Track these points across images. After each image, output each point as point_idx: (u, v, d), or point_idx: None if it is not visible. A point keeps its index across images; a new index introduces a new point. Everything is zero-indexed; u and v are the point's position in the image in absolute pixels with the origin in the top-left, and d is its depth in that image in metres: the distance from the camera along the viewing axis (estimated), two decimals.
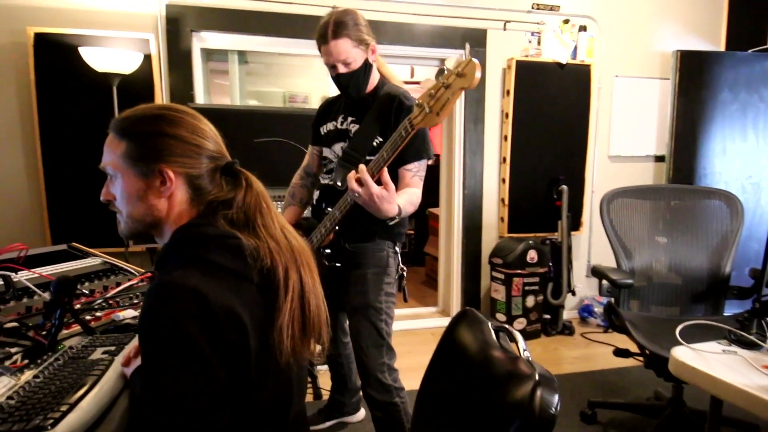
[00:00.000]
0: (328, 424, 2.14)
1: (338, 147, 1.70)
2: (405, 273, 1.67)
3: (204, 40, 3.03)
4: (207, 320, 0.78)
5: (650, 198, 2.44)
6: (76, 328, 1.23)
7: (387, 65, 1.76)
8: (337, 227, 1.56)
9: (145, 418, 0.77)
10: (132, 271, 1.74)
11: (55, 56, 2.62)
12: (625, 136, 3.71)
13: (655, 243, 2.42)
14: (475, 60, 1.14)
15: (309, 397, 2.43)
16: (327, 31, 1.52)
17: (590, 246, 3.72)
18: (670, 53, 3.59)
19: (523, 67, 3.37)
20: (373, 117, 1.58)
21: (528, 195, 3.51)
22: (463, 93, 3.53)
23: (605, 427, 2.21)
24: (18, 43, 2.62)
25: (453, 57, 1.18)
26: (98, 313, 1.36)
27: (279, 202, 2.15)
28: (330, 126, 1.74)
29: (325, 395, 2.33)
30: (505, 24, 3.38)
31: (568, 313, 3.67)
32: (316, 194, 1.76)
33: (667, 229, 2.43)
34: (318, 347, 0.98)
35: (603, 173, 3.70)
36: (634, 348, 2.01)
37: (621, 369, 2.73)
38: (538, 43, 3.44)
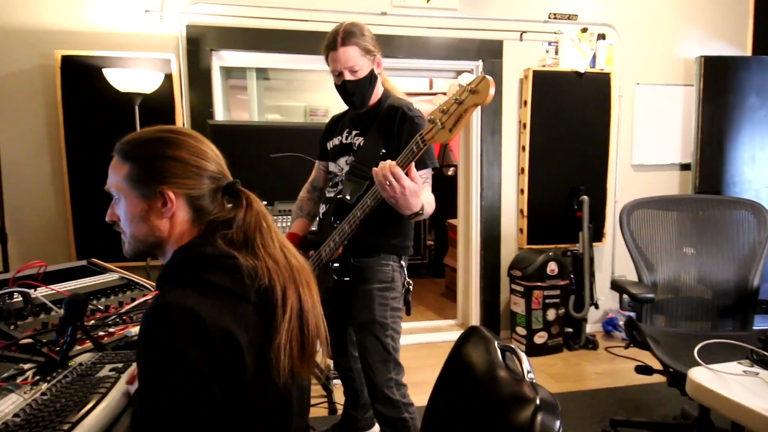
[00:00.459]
0: None
1: (343, 161, 1.71)
2: (411, 287, 1.65)
3: (223, 58, 3.11)
4: (202, 340, 0.78)
5: (673, 209, 2.37)
6: (90, 344, 1.25)
7: (390, 80, 1.77)
8: (345, 242, 1.56)
9: None
10: (147, 286, 1.77)
11: (81, 77, 2.72)
12: (648, 144, 3.62)
13: (682, 254, 2.34)
14: (488, 77, 1.13)
15: (324, 412, 2.43)
16: (336, 38, 1.56)
17: (614, 257, 3.63)
18: (693, 59, 3.50)
19: (540, 77, 3.34)
20: (377, 129, 1.59)
21: (547, 206, 3.45)
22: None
23: None
24: (46, 66, 2.73)
25: (467, 74, 1.17)
26: (111, 329, 1.39)
27: None
28: (335, 141, 1.76)
29: (340, 410, 2.31)
30: (521, 34, 3.36)
31: (592, 327, 3.57)
32: (322, 208, 1.76)
33: (694, 240, 2.35)
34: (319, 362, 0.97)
35: (626, 182, 3.61)
36: (658, 365, 1.94)
37: (647, 386, 2.63)
38: (556, 52, 3.40)
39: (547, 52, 3.41)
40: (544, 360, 3.15)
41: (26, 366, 1.11)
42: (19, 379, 1.04)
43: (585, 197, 3.37)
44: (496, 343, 1.06)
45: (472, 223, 3.53)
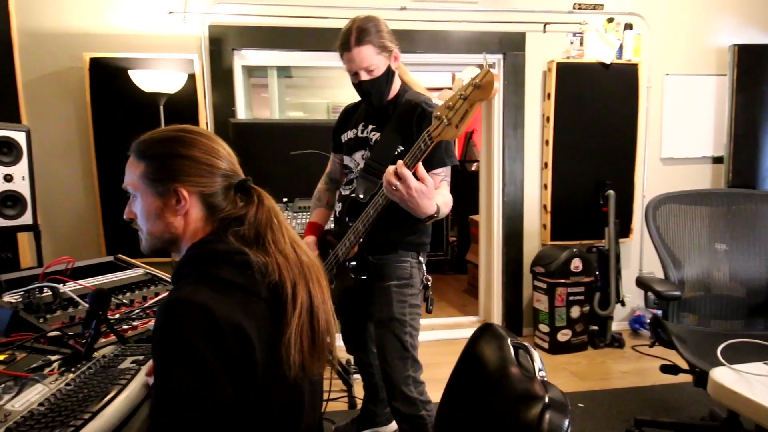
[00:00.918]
0: None
1: (359, 155, 1.70)
2: (430, 284, 1.64)
3: (245, 57, 3.15)
4: (214, 335, 0.80)
5: (703, 203, 2.29)
6: (114, 337, 1.30)
7: (409, 73, 1.75)
8: (361, 240, 1.56)
9: (155, 427, 0.80)
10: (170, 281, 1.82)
11: (108, 78, 2.81)
12: (678, 137, 3.50)
13: (713, 251, 2.26)
14: (493, 70, 1.11)
15: (344, 406, 2.45)
16: (350, 38, 1.52)
17: (641, 254, 3.53)
18: (726, 48, 3.36)
19: (564, 69, 3.27)
20: (395, 125, 1.57)
21: (572, 201, 3.38)
22: (500, 98, 3.45)
23: None
24: (75, 68, 2.83)
25: (472, 68, 1.13)
26: (135, 323, 1.43)
27: None
28: (350, 134, 1.74)
29: (360, 404, 2.33)
30: (544, 26, 3.29)
31: (618, 325, 3.49)
32: (338, 206, 1.77)
33: (726, 236, 2.27)
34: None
35: (655, 177, 3.50)
36: (685, 364, 1.88)
37: (674, 385, 2.56)
38: (581, 43, 3.32)
39: (572, 43, 3.33)
40: (568, 358, 3.09)
41: (53, 358, 1.15)
42: (46, 370, 1.08)
43: (611, 192, 3.29)
44: (509, 340, 1.05)
45: (494, 219, 3.49)
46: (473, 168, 5.43)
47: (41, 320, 1.35)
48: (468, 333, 3.60)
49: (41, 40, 2.81)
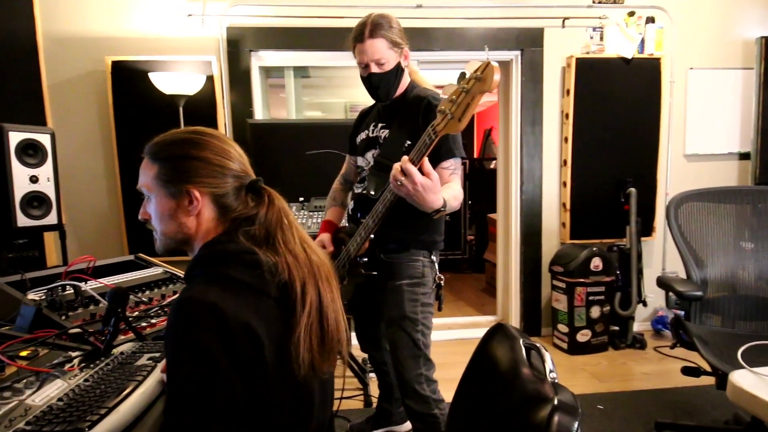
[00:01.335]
0: None
1: (370, 155, 1.72)
2: (443, 282, 1.64)
3: (262, 58, 3.18)
4: (224, 334, 0.81)
5: (728, 201, 2.23)
6: (132, 334, 1.33)
7: (419, 72, 1.76)
8: (372, 236, 1.57)
9: (167, 424, 0.81)
10: None
11: (129, 81, 2.87)
12: (702, 132, 3.41)
13: (739, 250, 2.20)
14: (493, 63, 1.10)
15: (359, 405, 2.46)
16: (364, 30, 1.55)
17: (664, 253, 3.45)
18: (752, 40, 3.26)
19: (584, 65, 3.21)
20: (402, 121, 1.58)
21: (592, 199, 3.32)
22: (517, 95, 3.41)
23: None
24: (98, 71, 2.90)
25: (474, 60, 1.12)
26: (153, 320, 1.47)
27: None
28: (363, 135, 1.77)
29: (375, 403, 2.33)
30: (563, 21, 3.24)
31: (640, 325, 3.42)
32: (351, 204, 1.78)
33: (753, 234, 2.20)
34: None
35: (678, 174, 3.42)
36: (708, 366, 1.83)
37: (697, 388, 2.49)
38: (601, 38, 3.26)
39: (591, 38, 3.27)
40: (587, 359, 3.04)
41: (74, 354, 1.19)
42: (66, 366, 1.11)
43: (632, 189, 3.22)
44: (521, 340, 1.04)
45: (512, 217, 3.46)
46: (492, 166, 5.38)
47: (63, 317, 1.39)
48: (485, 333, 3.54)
49: (65, 45, 2.89)
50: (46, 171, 2.20)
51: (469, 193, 5.34)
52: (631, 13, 3.21)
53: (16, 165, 2.09)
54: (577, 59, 3.19)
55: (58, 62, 2.88)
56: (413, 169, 1.23)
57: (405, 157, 1.26)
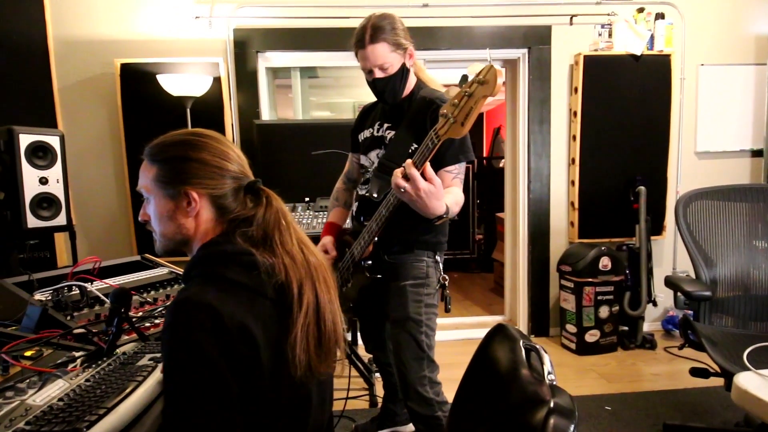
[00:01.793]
0: None
1: (374, 154, 1.70)
2: (447, 283, 1.63)
3: (269, 59, 3.20)
4: (220, 335, 0.81)
5: (739, 199, 2.19)
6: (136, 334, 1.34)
7: (426, 70, 1.73)
8: (376, 239, 1.56)
9: (164, 425, 0.82)
10: None
11: (138, 83, 2.90)
12: (714, 129, 3.35)
13: (752, 249, 2.16)
14: (496, 66, 1.09)
15: (365, 405, 2.46)
16: (364, 35, 1.52)
17: (675, 252, 3.40)
18: (765, 36, 3.20)
19: (592, 62, 3.18)
20: (408, 123, 1.56)
21: (601, 198, 3.28)
22: (525, 93, 3.38)
23: None
24: (107, 74, 2.94)
25: (477, 63, 1.11)
26: (157, 321, 1.48)
27: None
28: (366, 133, 1.75)
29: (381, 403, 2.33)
30: (571, 18, 3.20)
31: (650, 325, 3.38)
32: (354, 206, 1.77)
33: (767, 233, 2.16)
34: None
35: (689, 171, 3.37)
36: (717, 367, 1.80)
37: (708, 389, 2.45)
38: (609, 35, 3.22)
39: (600, 35, 3.24)
40: (596, 359, 3.01)
41: (77, 354, 1.20)
42: (69, 366, 1.13)
43: (642, 188, 3.18)
44: (521, 342, 1.04)
45: (520, 216, 3.43)
46: (500, 165, 5.35)
47: (69, 318, 1.41)
48: None
49: (75, 48, 2.93)
50: (55, 172, 2.23)
51: (478, 193, 5.32)
52: (640, 10, 3.16)
53: (26, 167, 2.12)
54: (585, 57, 3.16)
55: (69, 65, 2.92)
56: (416, 174, 1.21)
57: (408, 161, 1.25)
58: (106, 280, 1.62)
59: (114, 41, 2.95)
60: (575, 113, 3.24)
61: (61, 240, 2.78)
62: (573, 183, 3.31)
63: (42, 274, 1.65)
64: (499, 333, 1.11)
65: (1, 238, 2.13)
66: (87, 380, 1.03)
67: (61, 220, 2.26)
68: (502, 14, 3.18)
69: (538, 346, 1.01)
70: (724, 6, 3.27)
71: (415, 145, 1.55)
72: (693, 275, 2.12)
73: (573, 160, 3.29)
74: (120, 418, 0.90)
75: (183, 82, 2.76)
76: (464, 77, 1.17)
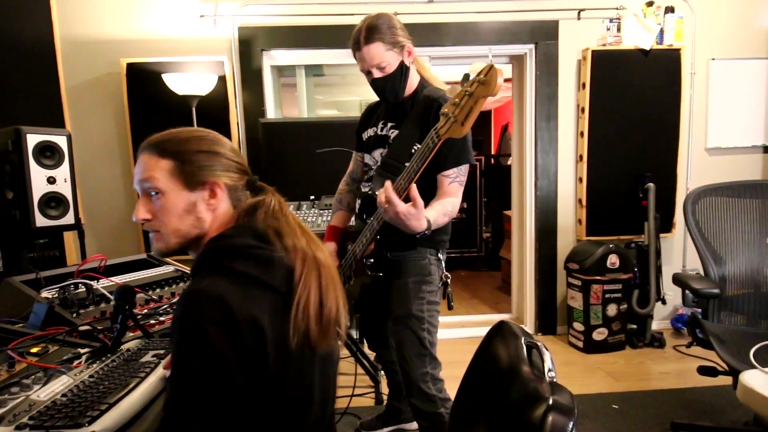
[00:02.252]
0: (386, 430, 2.15)
1: (378, 153, 1.70)
2: (449, 280, 1.62)
3: (273, 57, 3.20)
4: (230, 327, 0.82)
5: (750, 195, 2.15)
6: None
7: (429, 68, 1.73)
8: (378, 237, 1.56)
9: (168, 414, 0.82)
10: None
11: (143, 82, 2.92)
12: (725, 125, 3.31)
13: (764, 246, 2.13)
14: (497, 66, 1.08)
15: (370, 402, 2.46)
16: (360, 37, 1.53)
17: (685, 250, 3.36)
18: None
19: (600, 57, 3.14)
20: (412, 122, 1.55)
21: (609, 195, 3.25)
22: (532, 89, 3.36)
23: None
24: (113, 73, 2.96)
25: (478, 62, 1.11)
26: (162, 318, 1.49)
27: None
28: (370, 132, 1.75)
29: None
30: (579, 12, 3.17)
31: (659, 324, 3.34)
32: (357, 203, 1.77)
33: None
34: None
35: (700, 168, 3.33)
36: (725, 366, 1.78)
37: (717, 388, 2.42)
38: (618, 30, 3.18)
39: (608, 29, 3.20)
40: (603, 358, 2.99)
41: (82, 351, 1.21)
42: (74, 363, 1.14)
43: (651, 185, 3.15)
44: (522, 339, 1.03)
45: (527, 214, 3.41)
46: (508, 162, 5.32)
47: (75, 315, 1.42)
48: None
49: (82, 48, 2.95)
50: (63, 172, 2.25)
51: (485, 191, 5.29)
52: (650, 3, 3.13)
53: (34, 167, 2.14)
54: (593, 52, 3.13)
55: (75, 65, 2.95)
56: (395, 199, 1.26)
57: (388, 184, 1.29)
58: (112, 278, 1.64)
59: (120, 41, 2.97)
60: (583, 109, 3.21)
61: (69, 239, 2.81)
62: (581, 180, 3.28)
63: (49, 272, 1.67)
64: (500, 330, 1.11)
65: (10, 237, 2.15)
66: (91, 376, 1.04)
67: (69, 219, 2.28)
68: (508, 9, 3.15)
69: (539, 343, 1.00)
70: None
71: (418, 145, 1.55)
72: (702, 273, 2.10)
73: (581, 157, 3.26)
74: (122, 414, 0.91)
75: (188, 81, 2.77)
76: (466, 76, 1.16)
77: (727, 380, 1.92)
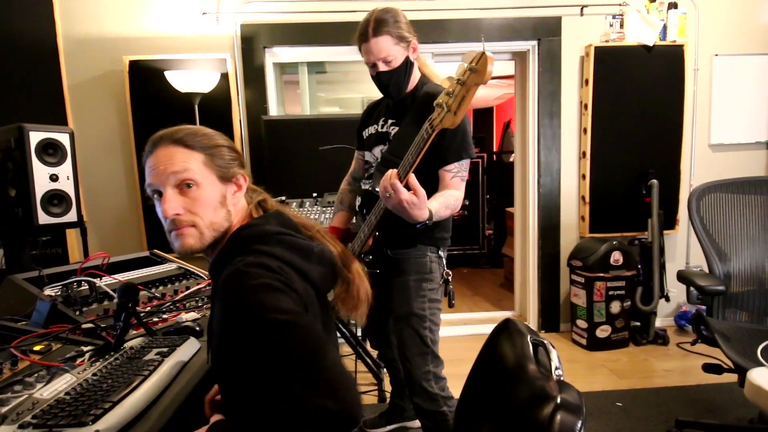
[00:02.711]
0: (389, 428, 2.14)
1: (378, 150, 1.69)
2: (450, 278, 1.61)
3: (276, 55, 3.19)
4: (290, 292, 0.84)
5: (755, 192, 2.14)
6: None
7: (430, 65, 1.72)
8: (376, 233, 1.55)
9: (249, 405, 0.81)
10: (202, 275, 1.87)
11: (146, 80, 2.91)
12: (728, 121, 3.29)
13: None
14: (488, 53, 1.07)
15: (373, 400, 2.46)
16: (368, 29, 1.52)
17: (688, 247, 3.35)
18: None
19: (603, 54, 3.13)
20: (412, 118, 1.55)
21: (612, 192, 3.24)
22: (534, 86, 3.34)
23: None
24: (116, 71, 2.95)
25: (471, 51, 1.10)
26: (165, 315, 1.49)
27: None
28: (371, 129, 1.74)
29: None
30: (581, 9, 3.16)
31: (662, 321, 3.33)
32: (357, 200, 1.76)
33: None
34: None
35: (703, 164, 3.31)
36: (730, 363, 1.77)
37: (721, 385, 2.41)
38: (621, 26, 3.16)
39: (611, 26, 3.18)
40: (607, 355, 2.98)
41: (86, 348, 1.21)
42: (77, 361, 1.13)
43: (654, 181, 3.13)
44: (528, 337, 1.03)
45: (530, 211, 3.40)
46: (510, 159, 5.30)
47: (78, 313, 1.42)
48: None
49: (84, 46, 2.95)
50: (65, 169, 2.24)
51: (488, 187, 5.28)
52: None
53: (36, 164, 2.14)
54: (596, 48, 3.11)
55: (78, 63, 2.94)
56: (398, 186, 1.25)
57: (392, 171, 1.27)
58: (115, 276, 1.63)
59: (122, 38, 2.96)
60: (586, 106, 3.20)
61: (72, 236, 2.81)
62: (584, 177, 3.27)
63: (52, 269, 1.66)
64: (506, 328, 1.10)
65: (12, 234, 2.15)
66: (94, 374, 1.04)
67: (71, 216, 2.27)
68: (511, 5, 3.14)
69: (545, 341, 1.00)
70: None
71: None
72: (706, 270, 2.09)
73: (584, 154, 3.25)
74: (126, 412, 0.90)
75: (190, 79, 2.77)
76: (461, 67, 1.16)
77: (731, 378, 1.91)
